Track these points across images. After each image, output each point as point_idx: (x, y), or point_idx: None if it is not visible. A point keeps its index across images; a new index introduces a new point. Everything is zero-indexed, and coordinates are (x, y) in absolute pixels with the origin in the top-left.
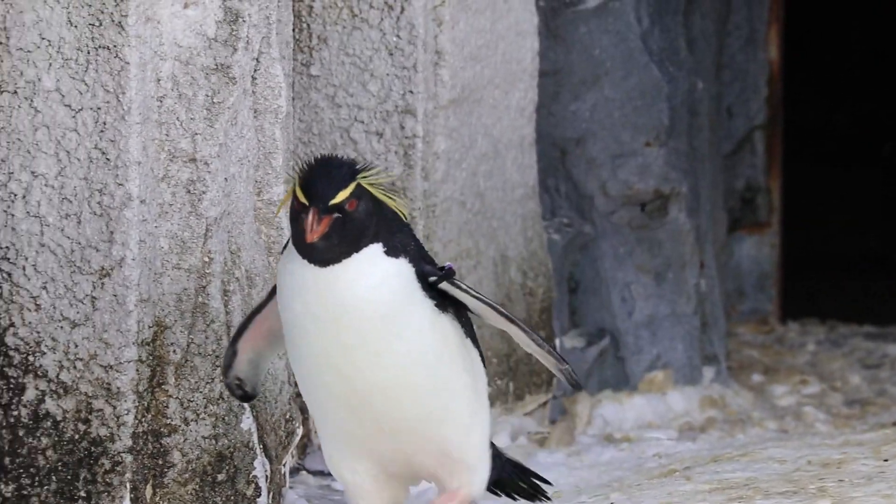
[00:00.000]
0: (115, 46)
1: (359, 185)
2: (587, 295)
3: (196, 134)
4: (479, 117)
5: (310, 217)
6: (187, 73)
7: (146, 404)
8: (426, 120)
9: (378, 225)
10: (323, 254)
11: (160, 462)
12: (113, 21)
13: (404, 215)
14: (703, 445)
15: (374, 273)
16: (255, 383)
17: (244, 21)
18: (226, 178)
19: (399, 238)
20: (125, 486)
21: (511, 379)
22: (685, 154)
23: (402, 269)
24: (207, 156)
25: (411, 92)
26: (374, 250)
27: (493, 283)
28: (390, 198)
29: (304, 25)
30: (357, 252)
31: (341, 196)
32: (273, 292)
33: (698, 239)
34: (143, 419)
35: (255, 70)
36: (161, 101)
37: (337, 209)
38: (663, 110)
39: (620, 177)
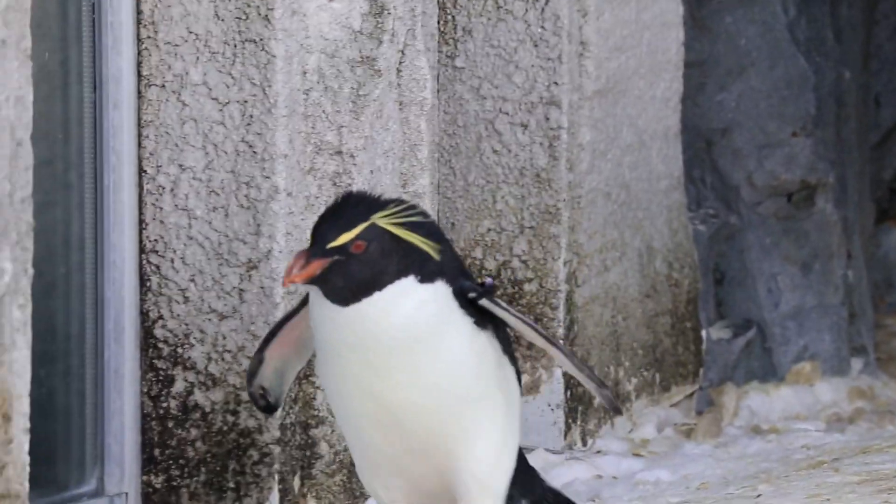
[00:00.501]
0: (261, 40)
1: (372, 226)
2: (733, 286)
3: (342, 126)
4: (623, 108)
5: (292, 260)
6: (333, 66)
7: (293, 396)
8: (571, 111)
9: (406, 258)
10: (335, 295)
11: (308, 453)
12: (259, 14)
13: (433, 252)
14: (852, 437)
15: (407, 304)
16: (279, 394)
17: (389, 13)
18: (371, 171)
19: (433, 263)
20: (273, 478)
21: (657, 370)
22: (832, 144)
23: (438, 292)
24: (353, 148)
25: (556, 83)
26: (406, 283)
27: (639, 274)
28: (415, 236)
29: (449, 17)
30: (381, 290)
31: (343, 239)
32: (305, 301)
33: (845, 230)
34: (291, 410)
35: (401, 62)
36: (307, 94)
37: (337, 251)
38: (810, 100)
39: (766, 167)
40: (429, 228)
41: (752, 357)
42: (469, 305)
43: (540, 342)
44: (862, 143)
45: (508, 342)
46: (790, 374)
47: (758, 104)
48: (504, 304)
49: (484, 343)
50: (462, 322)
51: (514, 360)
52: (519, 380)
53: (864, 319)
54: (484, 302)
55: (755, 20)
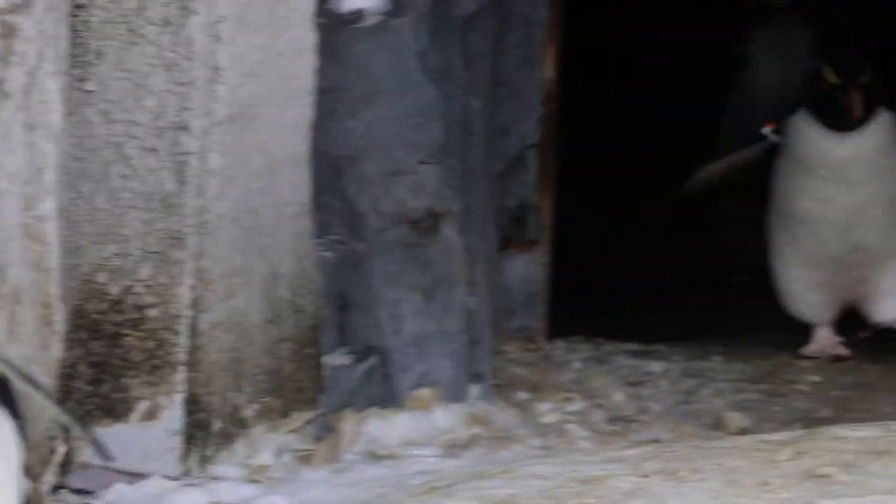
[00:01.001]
0: None
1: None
2: (357, 313)
3: None
4: (255, 134)
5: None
6: None
7: None
8: (201, 136)
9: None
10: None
11: None
12: None
13: None
14: (467, 462)
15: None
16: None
17: (19, 35)
18: None
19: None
20: None
21: (278, 396)
22: (459, 172)
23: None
24: None
25: (187, 108)
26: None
27: (263, 300)
28: None
29: (81, 40)
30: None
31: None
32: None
33: (469, 257)
34: None
35: (29, 85)
36: None
37: None
38: (438, 129)
39: (394, 194)
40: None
41: (372, 383)
42: None
43: None
44: (488, 171)
45: None
46: (409, 400)
47: (387, 132)
48: None
49: None
50: None
51: None
52: None
53: (483, 346)
54: None
55: (386, 48)
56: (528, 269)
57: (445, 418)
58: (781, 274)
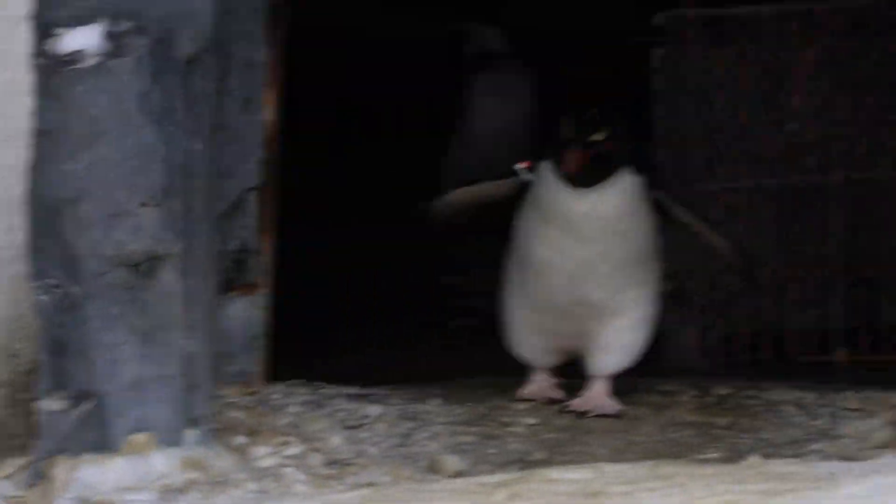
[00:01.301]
0: None
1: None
2: (74, 357)
3: None
4: None
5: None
6: None
7: None
8: None
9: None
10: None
11: None
12: None
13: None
14: None
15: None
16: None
17: None
18: None
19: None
20: None
21: None
22: (180, 215)
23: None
24: None
25: None
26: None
27: None
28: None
29: None
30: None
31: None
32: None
33: (189, 300)
34: None
35: None
36: None
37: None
38: (159, 171)
39: (114, 237)
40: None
41: (88, 428)
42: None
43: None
44: (209, 214)
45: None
46: (125, 445)
47: (107, 174)
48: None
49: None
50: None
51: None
52: None
53: (202, 390)
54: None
55: (107, 89)
56: (248, 312)
57: (162, 463)
58: (510, 314)
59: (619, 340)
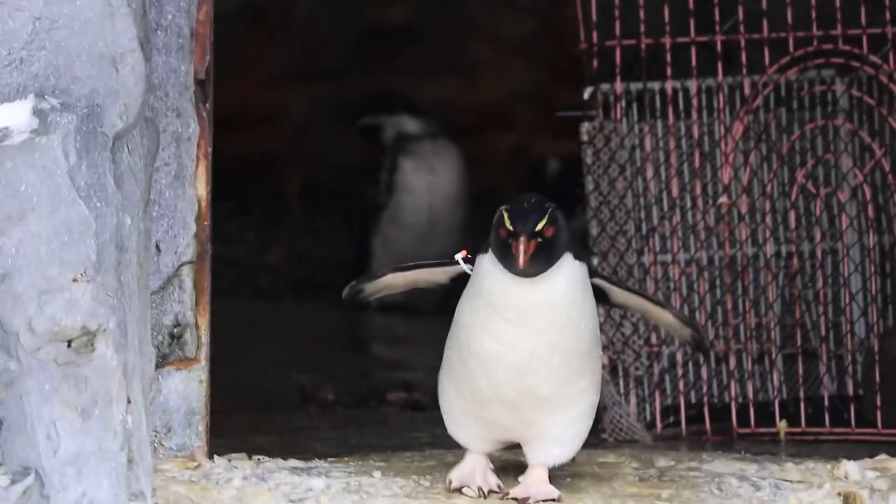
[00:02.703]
0: None
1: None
2: (13, 433)
3: None
4: None
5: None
6: None
7: None
8: None
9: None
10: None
11: None
12: None
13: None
14: None
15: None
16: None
17: None
18: None
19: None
20: None
21: None
22: (113, 290)
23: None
24: None
25: None
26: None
27: None
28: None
29: None
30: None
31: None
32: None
33: (126, 375)
34: None
35: None
36: None
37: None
38: (91, 246)
39: (47, 312)
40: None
41: None
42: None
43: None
44: (143, 288)
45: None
46: None
47: (38, 249)
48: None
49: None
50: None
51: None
52: None
53: (142, 465)
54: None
55: (36, 165)
56: (186, 386)
57: None
58: (449, 399)
59: (565, 433)
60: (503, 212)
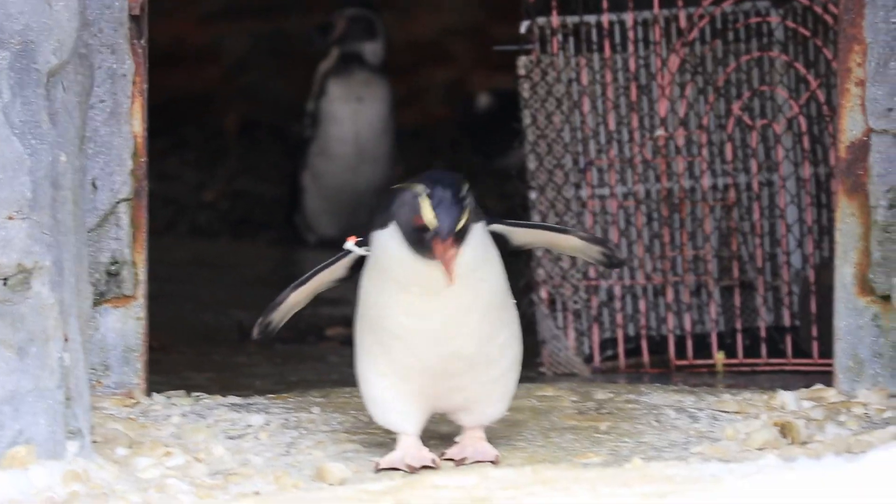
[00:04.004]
0: None
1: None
2: None
3: None
4: None
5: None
6: None
7: None
8: None
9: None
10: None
11: None
12: None
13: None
14: None
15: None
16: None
17: None
18: None
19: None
20: None
21: None
22: (49, 227)
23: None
24: None
25: None
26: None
27: None
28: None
29: None
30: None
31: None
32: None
33: (62, 312)
34: None
35: None
36: None
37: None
38: (25, 183)
39: None
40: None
41: None
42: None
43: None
44: (80, 226)
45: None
46: (5, 458)
47: None
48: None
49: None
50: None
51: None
52: None
53: (80, 402)
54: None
55: None
56: (124, 323)
57: (43, 476)
58: (371, 383)
59: (495, 391)
60: (421, 201)
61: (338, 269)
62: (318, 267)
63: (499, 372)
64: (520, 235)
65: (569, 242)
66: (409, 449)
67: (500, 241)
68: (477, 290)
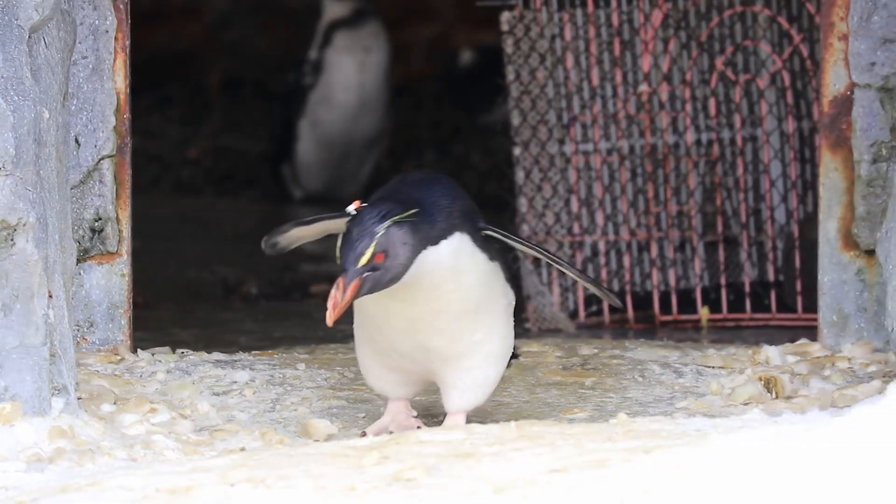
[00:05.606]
0: None
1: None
2: None
3: None
4: None
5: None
6: None
7: None
8: None
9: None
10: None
11: None
12: None
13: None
14: (52, 476)
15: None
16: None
17: None
18: None
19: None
20: None
21: None
22: (32, 184)
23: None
24: None
25: None
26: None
27: None
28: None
29: None
30: (413, 264)
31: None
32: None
33: (46, 269)
34: None
35: None
36: None
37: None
38: (8, 140)
39: None
40: (407, 205)
41: None
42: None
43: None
44: (63, 182)
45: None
46: None
47: None
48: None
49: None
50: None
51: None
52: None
53: (65, 359)
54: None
55: None
56: (108, 280)
57: (28, 433)
58: (364, 353)
59: (470, 379)
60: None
61: (340, 224)
62: (324, 215)
63: (475, 363)
64: (517, 247)
65: (566, 272)
66: (397, 415)
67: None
68: (446, 299)
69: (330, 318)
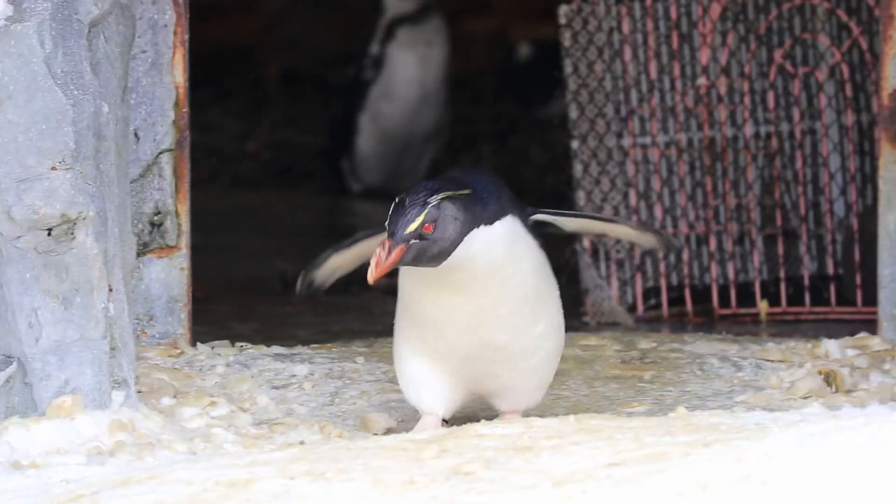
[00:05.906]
0: None
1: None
2: None
3: None
4: None
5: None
6: None
7: None
8: None
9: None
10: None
11: None
12: None
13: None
14: (112, 469)
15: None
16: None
17: None
18: None
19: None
20: None
21: None
22: (92, 178)
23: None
24: None
25: None
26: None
27: None
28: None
29: None
30: (462, 243)
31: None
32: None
33: (106, 263)
34: None
35: None
36: None
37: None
38: (69, 134)
39: (26, 201)
40: (460, 184)
41: (12, 392)
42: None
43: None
44: (122, 176)
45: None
46: (51, 408)
47: (16, 138)
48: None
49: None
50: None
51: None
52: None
53: (125, 352)
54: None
55: (12, 53)
56: (167, 274)
57: (89, 426)
58: (405, 361)
59: (531, 380)
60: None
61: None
62: (362, 233)
63: (536, 361)
64: (568, 223)
65: (619, 231)
66: (428, 428)
67: (551, 227)
68: (505, 285)
69: (371, 276)
